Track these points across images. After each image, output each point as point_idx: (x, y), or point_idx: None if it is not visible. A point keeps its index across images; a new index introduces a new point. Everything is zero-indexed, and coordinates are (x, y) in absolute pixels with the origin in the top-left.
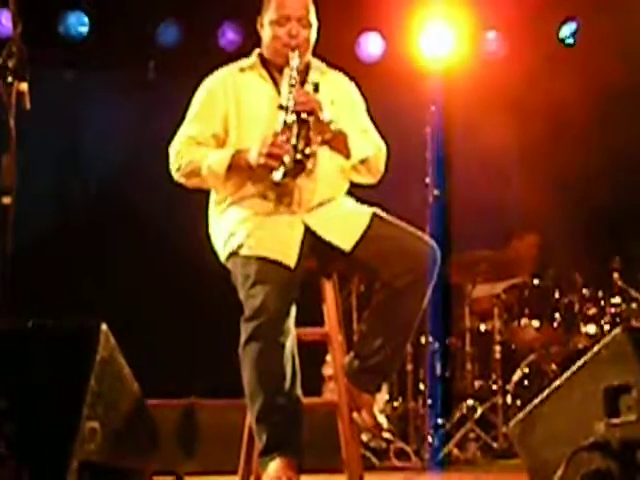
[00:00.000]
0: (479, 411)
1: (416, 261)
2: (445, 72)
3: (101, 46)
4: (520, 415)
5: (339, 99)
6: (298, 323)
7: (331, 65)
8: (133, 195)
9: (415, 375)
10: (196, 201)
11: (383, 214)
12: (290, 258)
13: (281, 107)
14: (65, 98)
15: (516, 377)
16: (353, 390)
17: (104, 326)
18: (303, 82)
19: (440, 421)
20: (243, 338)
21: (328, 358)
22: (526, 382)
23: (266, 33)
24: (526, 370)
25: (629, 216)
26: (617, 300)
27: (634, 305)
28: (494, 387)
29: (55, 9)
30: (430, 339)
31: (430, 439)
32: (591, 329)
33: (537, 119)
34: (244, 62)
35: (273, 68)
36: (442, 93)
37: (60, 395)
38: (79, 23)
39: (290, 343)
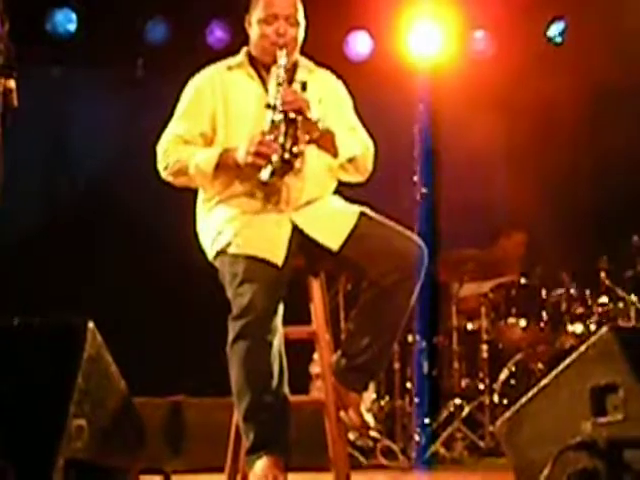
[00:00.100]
0: (466, 410)
1: (404, 260)
2: (433, 71)
3: (89, 43)
4: (507, 414)
5: (327, 97)
6: (285, 321)
7: (319, 64)
8: (121, 192)
9: (402, 374)
10: (185, 199)
11: (371, 213)
12: (278, 257)
13: (269, 106)
14: (53, 95)
15: (503, 376)
16: (340, 389)
17: (91, 324)
18: (291, 81)
19: (427, 420)
20: (231, 336)
21: (315, 356)
22: (513, 381)
23: (254, 31)
24: (513, 369)
25: (616, 215)
26: (604, 299)
27: (621, 304)
28: (481, 386)
29: (43, 6)
30: (417, 338)
31: (417, 438)
32: (578, 328)
33: (525, 118)
34: (232, 60)
35: (261, 66)
36: (430, 92)
37: (47, 393)
38: (67, 20)
39: (277, 341)
